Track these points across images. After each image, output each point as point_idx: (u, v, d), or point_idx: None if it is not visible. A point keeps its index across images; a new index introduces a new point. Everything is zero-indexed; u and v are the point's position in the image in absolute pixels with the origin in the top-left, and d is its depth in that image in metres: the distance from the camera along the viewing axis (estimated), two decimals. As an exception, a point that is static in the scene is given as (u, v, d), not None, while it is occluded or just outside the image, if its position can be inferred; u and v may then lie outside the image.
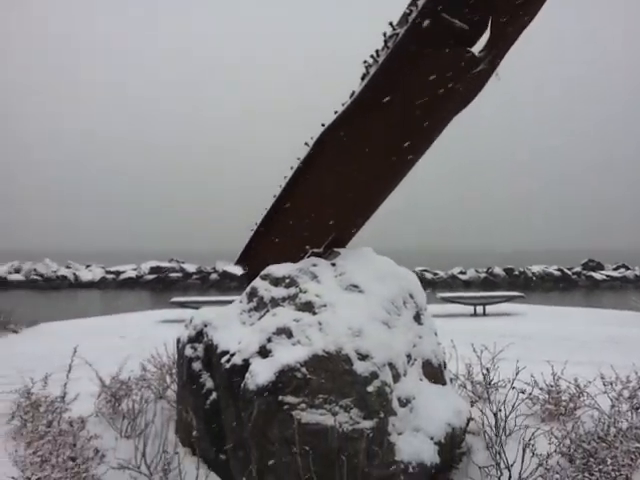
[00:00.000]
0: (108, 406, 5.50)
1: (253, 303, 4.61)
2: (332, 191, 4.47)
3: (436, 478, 4.01)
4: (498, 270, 38.59)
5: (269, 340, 3.95)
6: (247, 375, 3.84)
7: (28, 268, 41.31)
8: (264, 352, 3.92)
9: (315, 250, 4.90)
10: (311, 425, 3.52)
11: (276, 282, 4.53)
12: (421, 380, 4.20)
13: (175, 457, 4.03)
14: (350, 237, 5.05)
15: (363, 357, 3.67)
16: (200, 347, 4.67)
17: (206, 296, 23.96)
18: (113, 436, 4.92)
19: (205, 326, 4.69)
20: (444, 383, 4.52)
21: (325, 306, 4.02)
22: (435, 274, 38.39)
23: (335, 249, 4.83)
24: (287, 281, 4.44)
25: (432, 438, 3.81)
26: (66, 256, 46.87)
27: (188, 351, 4.74)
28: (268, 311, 4.35)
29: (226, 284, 37.18)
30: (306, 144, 4.26)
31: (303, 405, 3.57)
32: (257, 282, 4.69)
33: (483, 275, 38.33)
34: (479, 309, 15.64)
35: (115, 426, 5.06)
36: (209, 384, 4.49)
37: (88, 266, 43.25)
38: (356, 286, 4.25)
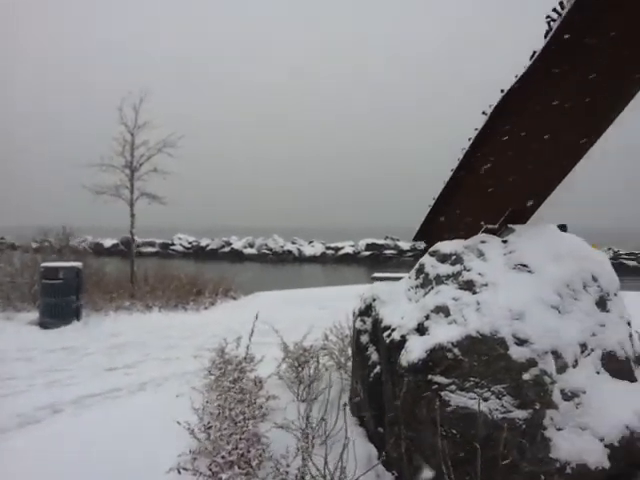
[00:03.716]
0: (291, 370, 5.86)
1: (420, 280, 4.51)
2: (509, 161, 4.15)
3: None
4: None
5: (427, 317, 3.84)
6: (402, 351, 3.79)
7: (260, 243, 45.86)
8: (421, 329, 3.83)
9: (489, 226, 4.61)
10: (460, 408, 3.35)
11: (443, 259, 4.36)
12: (598, 373, 3.71)
13: (337, 424, 4.15)
14: (530, 213, 4.64)
15: (521, 342, 3.37)
16: (368, 320, 4.73)
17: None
18: (290, 399, 5.25)
19: (374, 300, 4.73)
20: (632, 380, 3.94)
21: (486, 285, 3.77)
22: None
23: (511, 225, 4.48)
24: (453, 258, 4.25)
25: (602, 439, 3.35)
26: (292, 232, 50.86)
27: (358, 324, 4.85)
28: (432, 288, 4.22)
29: (439, 262, 36.93)
30: (484, 113, 3.99)
31: (453, 387, 3.41)
32: (425, 258, 4.58)
33: None
34: None
35: (293, 390, 5.39)
36: (374, 357, 4.53)
37: (311, 242, 46.39)
38: (525, 265, 3.90)
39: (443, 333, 3.60)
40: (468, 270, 4.00)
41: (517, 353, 3.34)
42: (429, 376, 3.48)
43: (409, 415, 3.57)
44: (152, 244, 47.15)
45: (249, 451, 3.64)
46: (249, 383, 5.08)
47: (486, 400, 3.31)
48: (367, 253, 42.32)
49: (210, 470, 3.49)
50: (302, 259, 43.04)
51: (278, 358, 6.03)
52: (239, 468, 3.48)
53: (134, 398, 6.14)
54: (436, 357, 3.50)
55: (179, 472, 3.47)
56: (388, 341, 4.09)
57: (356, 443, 4.08)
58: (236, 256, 43.91)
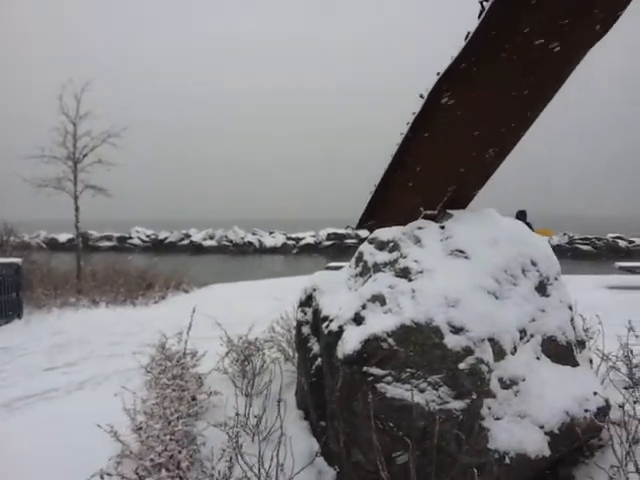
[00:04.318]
0: (236, 365, 5.66)
1: (359, 268, 4.37)
2: (447, 145, 4.03)
3: (555, 472, 3.52)
4: None
5: (364, 307, 3.70)
6: (339, 342, 3.65)
7: (220, 235, 45.34)
8: (358, 319, 3.68)
9: (429, 212, 4.49)
10: (396, 400, 3.23)
11: (381, 246, 4.24)
12: (538, 359, 3.65)
13: (278, 419, 3.98)
14: (469, 198, 4.54)
15: (456, 330, 3.26)
16: (309, 311, 4.58)
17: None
18: (234, 393, 5.05)
19: (314, 290, 4.58)
20: (574, 364, 3.89)
21: (422, 272, 3.65)
22: (631, 242, 34.37)
23: (449, 211, 4.38)
24: (391, 245, 4.12)
25: (542, 427, 3.28)
26: (252, 224, 50.44)
27: (299, 315, 4.70)
28: (370, 276, 4.09)
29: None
30: (421, 96, 3.85)
31: (389, 378, 3.29)
32: (364, 246, 4.44)
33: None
34: (672, 282, 13.53)
35: (236, 384, 5.20)
36: (315, 349, 4.39)
37: (271, 233, 46.09)
38: (462, 251, 3.80)
39: (378, 323, 3.46)
40: (404, 257, 3.88)
41: (453, 342, 3.23)
42: (364, 368, 3.35)
43: (346, 408, 3.44)
44: (109, 238, 46.20)
45: (180, 452, 3.45)
46: (192, 379, 4.88)
47: (422, 391, 3.20)
48: (328, 243, 42.35)
49: (137, 474, 3.29)
50: (263, 250, 42.77)
51: (223, 353, 5.83)
52: (167, 471, 3.28)
53: (70, 398, 5.88)
54: (371, 348, 3.36)
55: (102, 478, 3.26)
56: (327, 332, 3.94)
57: (299, 438, 3.95)
58: (196, 248, 43.34)
